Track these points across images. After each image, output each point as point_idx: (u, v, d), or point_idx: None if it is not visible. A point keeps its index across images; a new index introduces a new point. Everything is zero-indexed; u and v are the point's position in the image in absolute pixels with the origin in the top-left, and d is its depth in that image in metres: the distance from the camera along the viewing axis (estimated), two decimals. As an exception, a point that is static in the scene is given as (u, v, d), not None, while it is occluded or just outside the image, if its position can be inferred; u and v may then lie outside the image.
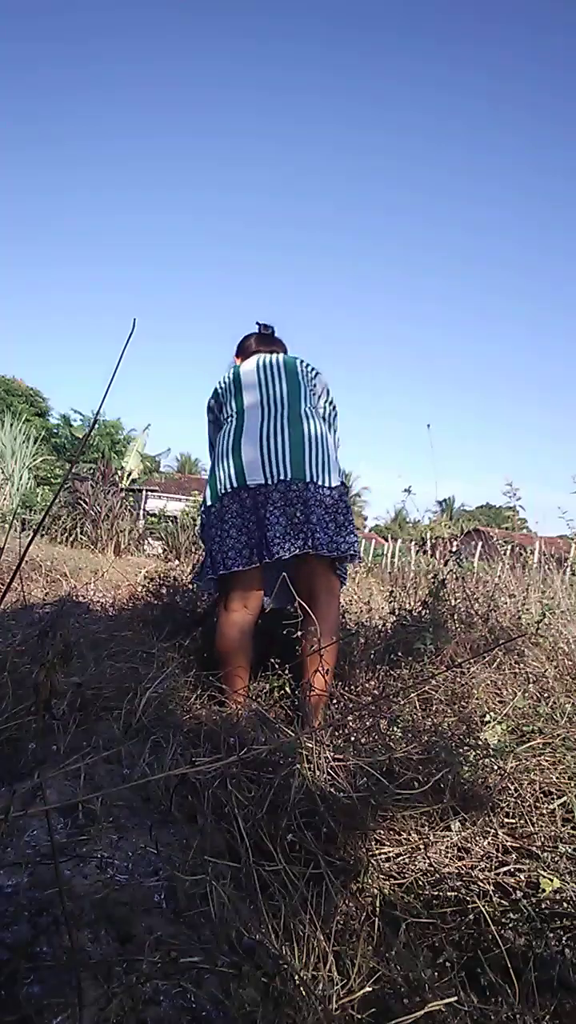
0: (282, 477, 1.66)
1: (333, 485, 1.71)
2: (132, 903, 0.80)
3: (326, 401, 1.96)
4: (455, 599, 2.36)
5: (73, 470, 7.98)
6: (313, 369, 1.96)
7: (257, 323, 2.14)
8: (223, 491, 1.72)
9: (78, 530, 6.46)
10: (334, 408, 1.98)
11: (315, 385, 1.94)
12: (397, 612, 2.13)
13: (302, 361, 1.94)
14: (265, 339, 2.14)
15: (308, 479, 1.67)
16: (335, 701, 1.57)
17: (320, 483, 1.68)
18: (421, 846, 0.98)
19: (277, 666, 1.59)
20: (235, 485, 1.70)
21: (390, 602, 2.26)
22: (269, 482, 1.66)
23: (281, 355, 1.95)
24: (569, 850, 0.99)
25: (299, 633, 1.56)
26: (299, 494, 1.65)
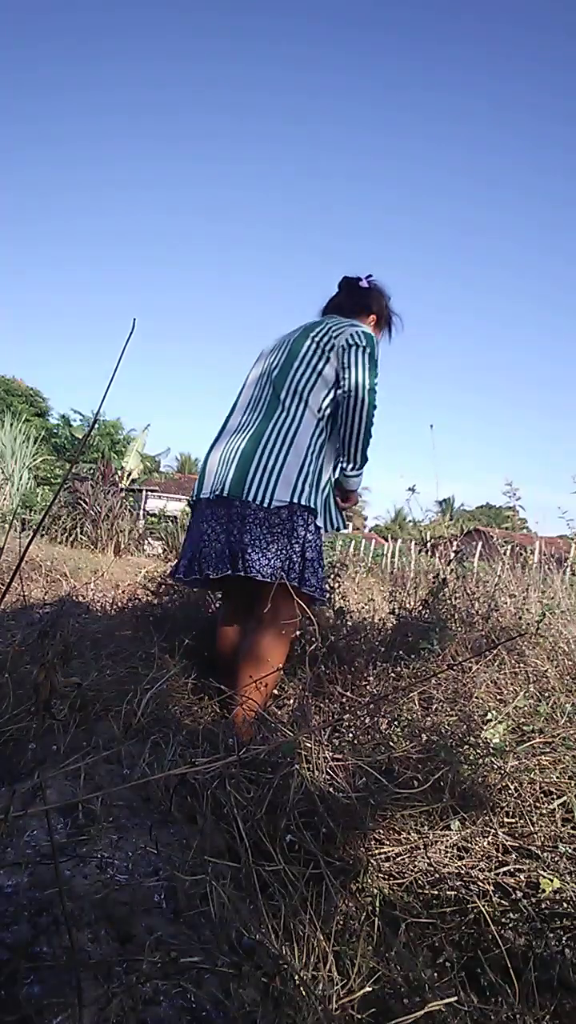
0: (220, 492, 1.50)
1: (278, 504, 1.45)
2: (132, 903, 0.80)
3: (330, 387, 1.55)
4: (455, 599, 2.36)
5: (73, 470, 7.99)
6: (334, 335, 1.56)
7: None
8: (192, 496, 1.63)
9: (78, 530, 6.46)
10: (350, 394, 1.52)
11: (321, 361, 1.55)
12: (397, 612, 2.13)
13: (320, 330, 1.59)
14: (333, 299, 1.78)
15: (245, 496, 1.46)
16: (335, 702, 1.57)
17: (260, 501, 1.45)
18: (421, 846, 0.98)
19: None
20: (194, 494, 1.62)
21: (390, 602, 2.26)
22: (211, 496, 1.53)
23: (301, 329, 1.64)
24: (569, 850, 0.99)
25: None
26: (238, 511, 1.47)
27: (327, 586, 1.68)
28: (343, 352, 1.54)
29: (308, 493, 1.48)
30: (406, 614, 2.06)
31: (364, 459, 1.58)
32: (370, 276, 1.76)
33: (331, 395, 1.56)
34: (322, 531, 1.54)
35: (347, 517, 1.72)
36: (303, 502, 1.47)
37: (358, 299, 1.74)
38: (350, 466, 1.58)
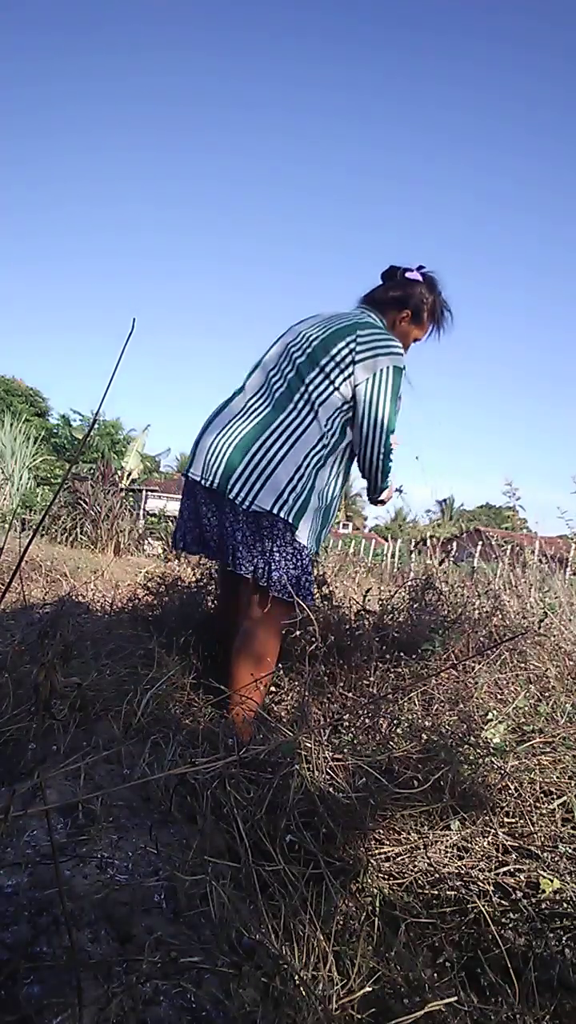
0: (211, 483, 1.45)
1: (257, 509, 1.40)
2: (132, 903, 0.80)
3: (341, 406, 1.47)
4: (457, 598, 2.36)
5: (73, 470, 7.99)
6: (362, 354, 1.46)
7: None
8: (187, 470, 1.57)
9: (78, 530, 6.46)
10: (370, 431, 1.48)
11: (341, 376, 1.47)
12: (393, 610, 2.13)
13: (352, 339, 1.48)
14: (374, 289, 1.67)
15: (229, 492, 1.42)
16: (335, 701, 1.57)
17: (241, 501, 1.40)
18: (421, 846, 0.98)
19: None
20: (187, 468, 1.56)
21: (383, 602, 2.25)
22: (202, 482, 1.48)
23: (336, 325, 1.52)
24: (569, 850, 0.99)
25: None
26: (230, 505, 1.44)
27: (314, 594, 1.61)
28: (367, 384, 1.47)
29: (292, 506, 1.41)
30: (388, 614, 2.07)
31: (381, 490, 1.59)
32: (421, 267, 1.64)
33: (340, 416, 1.49)
34: (308, 549, 1.47)
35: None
36: (282, 515, 1.40)
37: (396, 292, 1.62)
38: (368, 495, 1.63)
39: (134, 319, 0.69)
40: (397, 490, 1.89)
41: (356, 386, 1.48)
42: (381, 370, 1.48)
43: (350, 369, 1.47)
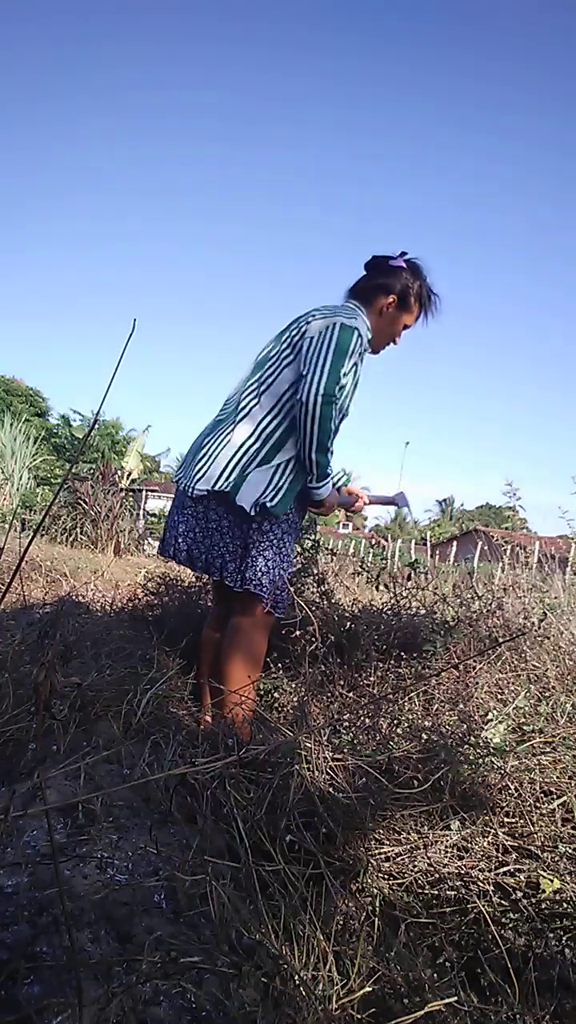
0: (187, 485, 1.51)
1: (197, 492, 1.47)
2: (132, 903, 0.80)
3: (295, 379, 1.46)
4: (461, 598, 2.36)
5: (73, 470, 7.98)
6: (305, 327, 1.48)
7: None
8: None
9: (78, 530, 6.46)
10: (300, 403, 1.41)
11: (291, 355, 1.49)
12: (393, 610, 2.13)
13: (300, 321, 1.52)
14: (358, 280, 1.66)
15: (205, 494, 1.48)
16: (335, 701, 1.57)
17: (189, 492, 1.49)
18: (421, 846, 0.98)
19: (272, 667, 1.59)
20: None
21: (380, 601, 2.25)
22: (184, 488, 1.53)
23: (294, 318, 1.56)
24: (569, 850, 0.99)
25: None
26: (205, 509, 1.50)
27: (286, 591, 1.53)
28: (310, 341, 1.45)
29: (237, 478, 1.44)
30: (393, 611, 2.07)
31: (321, 470, 1.47)
32: (404, 254, 1.65)
33: (292, 388, 1.49)
34: (279, 517, 1.48)
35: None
36: (224, 488, 1.44)
37: (379, 278, 1.62)
38: (308, 477, 1.49)
39: (135, 319, 0.69)
40: (338, 486, 1.68)
41: (301, 347, 1.47)
42: (329, 327, 1.46)
43: (299, 341, 1.48)
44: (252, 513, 1.45)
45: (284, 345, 1.52)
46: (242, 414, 1.51)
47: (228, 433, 1.50)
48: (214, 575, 1.53)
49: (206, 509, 1.50)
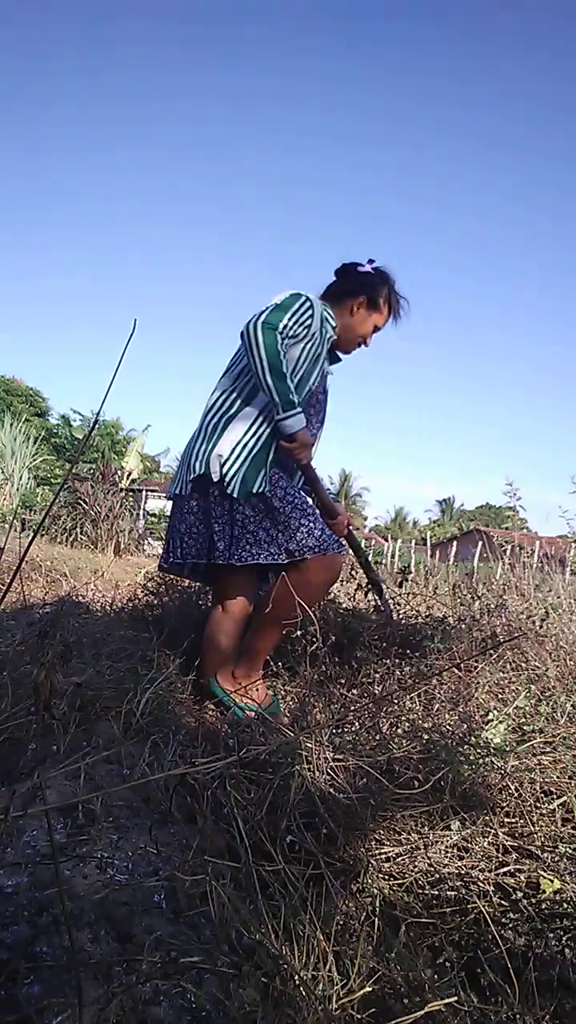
0: (180, 488, 1.64)
1: (183, 492, 1.60)
2: (132, 903, 0.80)
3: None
4: (465, 597, 2.36)
5: (73, 470, 7.99)
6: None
7: None
8: None
9: (78, 530, 6.47)
10: (242, 336, 1.49)
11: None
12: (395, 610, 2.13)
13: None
14: (328, 285, 1.79)
15: (178, 491, 1.63)
16: (336, 701, 1.57)
17: (184, 492, 1.61)
18: (421, 846, 0.98)
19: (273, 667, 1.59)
20: None
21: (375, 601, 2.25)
22: (179, 491, 1.65)
23: None
24: (569, 850, 0.99)
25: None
26: (199, 497, 1.60)
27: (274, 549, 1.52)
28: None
29: (203, 458, 1.55)
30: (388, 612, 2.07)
31: (283, 398, 1.47)
32: (372, 260, 1.76)
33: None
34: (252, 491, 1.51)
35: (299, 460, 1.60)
36: (202, 471, 1.54)
37: (349, 283, 1.75)
38: (274, 411, 1.51)
39: (135, 319, 0.69)
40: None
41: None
42: (278, 295, 1.58)
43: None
44: (217, 477, 1.52)
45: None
46: (209, 404, 1.64)
47: (198, 427, 1.64)
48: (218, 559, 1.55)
49: (199, 497, 1.58)
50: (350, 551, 1.89)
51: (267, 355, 1.46)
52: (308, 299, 1.58)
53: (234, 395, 1.61)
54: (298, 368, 1.59)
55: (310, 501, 1.66)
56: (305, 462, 1.59)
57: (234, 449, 1.53)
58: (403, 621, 2.09)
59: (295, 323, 1.53)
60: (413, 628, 1.97)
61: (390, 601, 2.11)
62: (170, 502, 1.72)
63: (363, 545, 2.17)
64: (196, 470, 1.55)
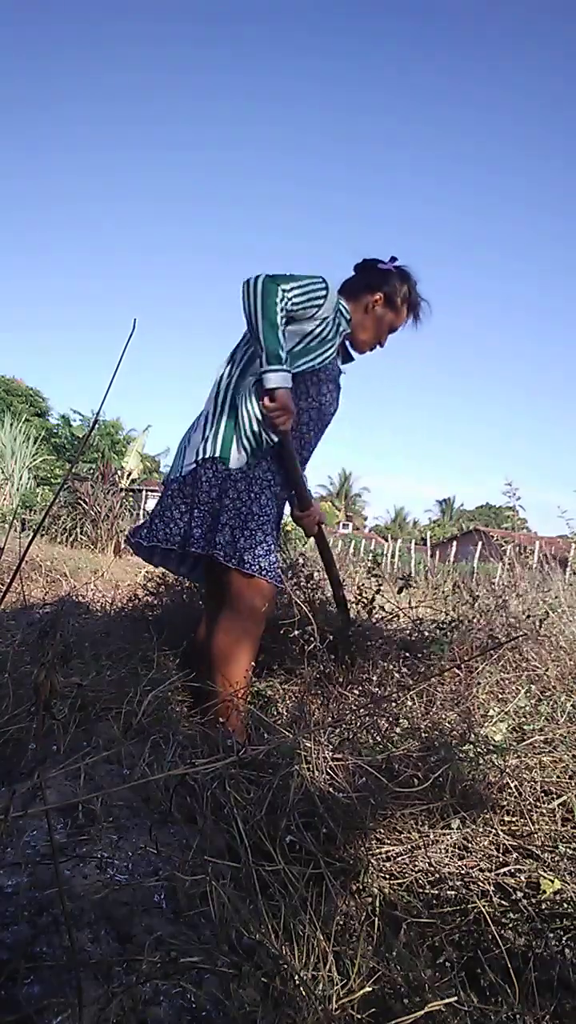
0: (177, 473, 1.58)
1: (187, 470, 1.53)
2: (132, 903, 0.80)
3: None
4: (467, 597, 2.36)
5: (73, 470, 7.98)
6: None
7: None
8: None
9: (78, 530, 6.47)
10: (254, 274, 1.45)
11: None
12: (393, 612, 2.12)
13: None
14: (346, 280, 1.71)
15: (176, 473, 1.57)
16: (335, 701, 1.57)
17: (178, 474, 1.56)
18: (421, 845, 0.98)
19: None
20: None
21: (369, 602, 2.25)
22: (176, 476, 1.60)
23: None
24: (569, 850, 0.99)
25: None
26: (193, 480, 1.54)
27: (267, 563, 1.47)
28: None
29: (210, 441, 1.51)
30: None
31: (270, 348, 1.41)
32: (394, 258, 1.69)
33: (246, 345, 1.57)
34: (252, 476, 1.49)
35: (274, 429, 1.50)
36: (207, 455, 1.50)
37: (367, 278, 1.67)
38: (257, 362, 1.45)
39: (135, 319, 0.69)
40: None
41: None
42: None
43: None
44: (206, 456, 1.50)
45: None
46: (216, 387, 1.59)
47: (199, 419, 1.60)
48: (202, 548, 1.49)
49: (195, 480, 1.52)
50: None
51: (264, 303, 1.41)
52: (324, 281, 1.53)
53: (235, 378, 1.57)
54: (303, 342, 1.53)
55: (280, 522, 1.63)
56: (284, 429, 1.46)
57: (240, 435, 1.50)
58: (403, 622, 2.08)
59: (302, 295, 1.48)
60: (413, 629, 1.96)
61: (356, 618, 1.99)
62: None
63: (362, 545, 2.13)
64: (205, 452, 1.51)
